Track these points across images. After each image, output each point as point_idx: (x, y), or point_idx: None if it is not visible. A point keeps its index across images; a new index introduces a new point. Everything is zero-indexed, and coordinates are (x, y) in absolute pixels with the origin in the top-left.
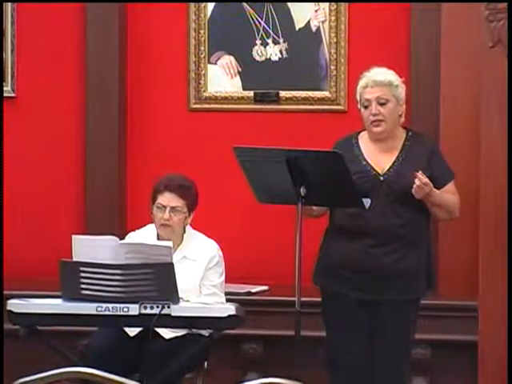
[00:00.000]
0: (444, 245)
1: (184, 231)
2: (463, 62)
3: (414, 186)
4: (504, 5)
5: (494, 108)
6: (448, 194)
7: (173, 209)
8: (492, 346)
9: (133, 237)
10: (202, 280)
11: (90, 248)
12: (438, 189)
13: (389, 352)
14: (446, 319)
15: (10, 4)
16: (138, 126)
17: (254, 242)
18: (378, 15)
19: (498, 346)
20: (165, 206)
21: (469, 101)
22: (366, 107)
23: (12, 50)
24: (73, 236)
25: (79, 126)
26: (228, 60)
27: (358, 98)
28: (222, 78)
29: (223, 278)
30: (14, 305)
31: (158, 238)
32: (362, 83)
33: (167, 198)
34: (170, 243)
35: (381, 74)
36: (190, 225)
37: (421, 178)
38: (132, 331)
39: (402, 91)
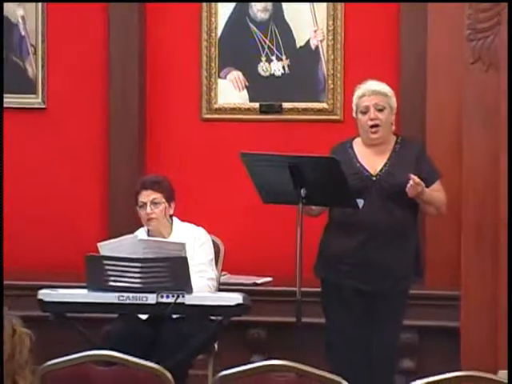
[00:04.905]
0: (430, 240)
1: (171, 223)
2: (447, 77)
3: (408, 185)
4: (483, 25)
5: (475, 117)
6: (436, 192)
7: (152, 202)
8: (472, 331)
9: None
10: (191, 260)
11: (115, 248)
12: (427, 187)
13: (382, 335)
14: (431, 307)
15: (40, 23)
16: (155, 134)
17: (259, 238)
18: (370, 35)
19: (477, 331)
20: (145, 203)
21: (452, 111)
22: (364, 113)
23: (42, 66)
24: (98, 244)
25: (102, 135)
26: (236, 75)
27: (355, 107)
28: (230, 91)
29: (211, 256)
30: (44, 294)
31: (149, 235)
32: (359, 93)
33: (145, 195)
34: (183, 242)
35: (376, 84)
36: (176, 216)
37: (414, 179)
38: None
39: (394, 101)
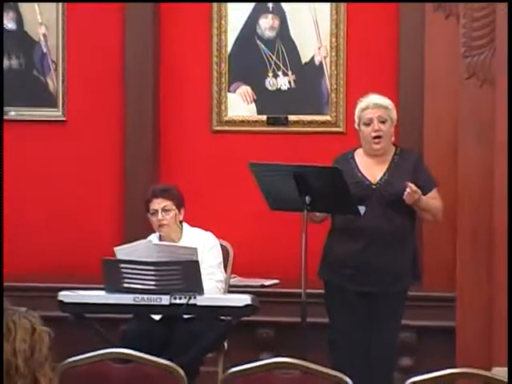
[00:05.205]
0: (428, 245)
1: (181, 228)
2: (444, 91)
3: (405, 193)
4: (478, 42)
5: (470, 131)
6: (432, 200)
7: (163, 209)
8: (468, 331)
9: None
10: (201, 263)
11: (130, 252)
12: (423, 195)
13: (382, 333)
14: (429, 308)
15: (60, 41)
16: (168, 145)
17: (266, 243)
18: (371, 52)
19: (472, 331)
20: (157, 210)
21: (449, 123)
22: (367, 125)
23: (63, 81)
24: (114, 248)
25: (119, 145)
26: (245, 89)
27: (358, 120)
28: (239, 105)
29: (220, 259)
30: (64, 295)
31: (160, 240)
32: (362, 105)
33: (156, 203)
34: (195, 246)
35: (378, 98)
36: (186, 222)
37: (411, 187)
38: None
39: (395, 114)
